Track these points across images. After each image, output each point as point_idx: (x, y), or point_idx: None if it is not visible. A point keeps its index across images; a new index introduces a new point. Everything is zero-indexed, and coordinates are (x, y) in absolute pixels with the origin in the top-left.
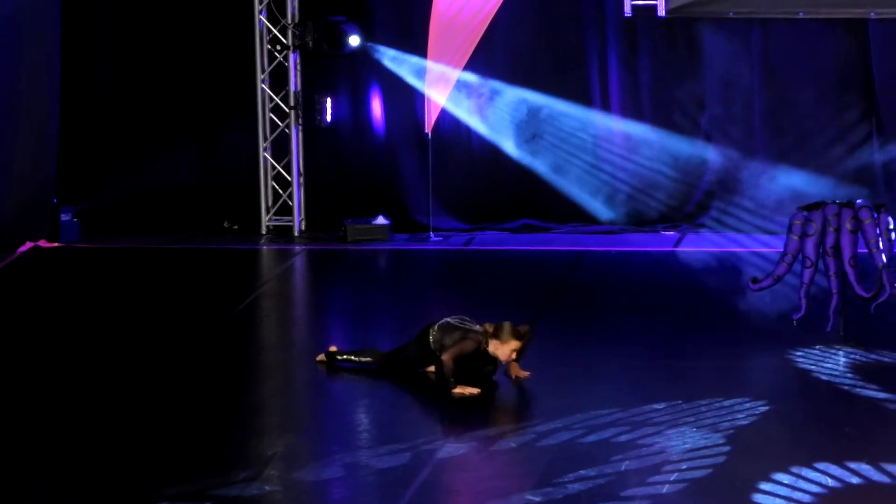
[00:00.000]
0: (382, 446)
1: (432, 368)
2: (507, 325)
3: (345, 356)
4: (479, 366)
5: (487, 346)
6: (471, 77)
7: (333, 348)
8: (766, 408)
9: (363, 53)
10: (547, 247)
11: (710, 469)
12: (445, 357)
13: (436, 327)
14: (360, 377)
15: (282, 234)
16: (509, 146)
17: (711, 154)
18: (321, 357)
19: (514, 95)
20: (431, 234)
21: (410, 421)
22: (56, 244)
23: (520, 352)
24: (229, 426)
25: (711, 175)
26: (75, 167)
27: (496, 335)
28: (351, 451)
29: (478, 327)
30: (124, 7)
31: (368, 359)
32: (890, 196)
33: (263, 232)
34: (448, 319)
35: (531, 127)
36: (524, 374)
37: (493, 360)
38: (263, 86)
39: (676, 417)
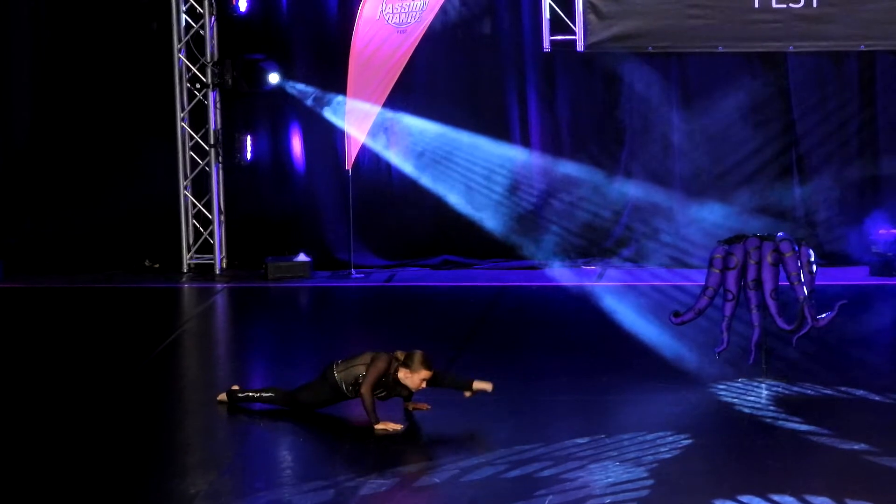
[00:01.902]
0: (306, 483)
1: (424, 406)
2: (418, 354)
3: (246, 394)
4: (391, 394)
5: (397, 373)
6: (390, 114)
7: (235, 387)
8: (689, 441)
9: (282, 91)
10: (468, 282)
11: (634, 503)
12: (364, 389)
13: (339, 363)
14: (282, 416)
15: (203, 272)
16: (429, 182)
17: (631, 188)
18: (221, 397)
19: (435, 131)
20: (353, 271)
21: (333, 457)
22: None
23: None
24: (151, 465)
25: (632, 209)
26: None
27: (406, 364)
28: (274, 489)
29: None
30: (44, 44)
31: (270, 395)
32: (810, 229)
33: (184, 270)
34: (348, 355)
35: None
36: (423, 406)
37: (405, 387)
38: (183, 124)
39: (599, 452)
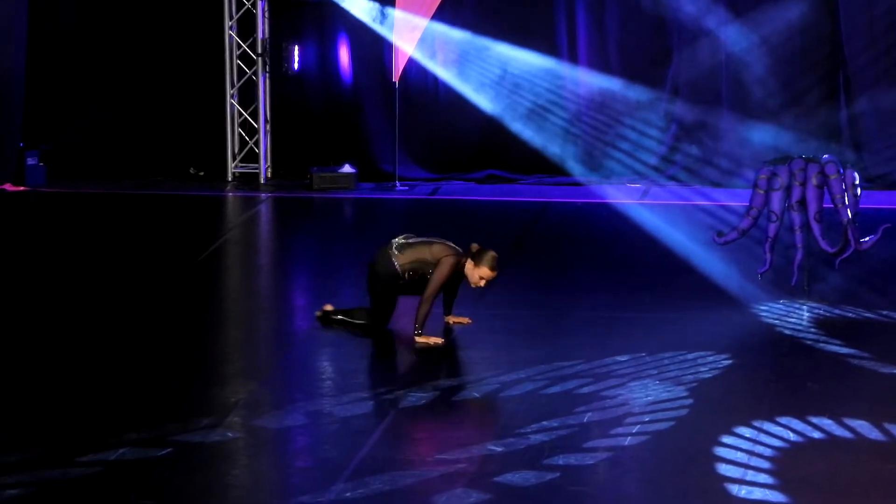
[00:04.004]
0: (345, 395)
1: (465, 321)
2: (490, 253)
3: (339, 316)
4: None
5: (465, 266)
6: (438, 26)
7: (329, 307)
8: (730, 361)
9: (330, 2)
10: (512, 197)
11: (673, 422)
12: (427, 294)
13: (394, 250)
14: (322, 328)
15: (247, 181)
16: (476, 96)
17: (678, 107)
18: (319, 313)
19: (482, 46)
20: (397, 183)
21: (373, 370)
22: (22, 188)
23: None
24: (192, 373)
25: (678, 128)
26: (41, 112)
27: (475, 257)
28: (314, 399)
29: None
30: None
31: (361, 321)
32: (856, 152)
33: (229, 179)
34: (401, 240)
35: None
36: (464, 320)
37: (462, 278)
38: (231, 32)
39: (640, 370)
